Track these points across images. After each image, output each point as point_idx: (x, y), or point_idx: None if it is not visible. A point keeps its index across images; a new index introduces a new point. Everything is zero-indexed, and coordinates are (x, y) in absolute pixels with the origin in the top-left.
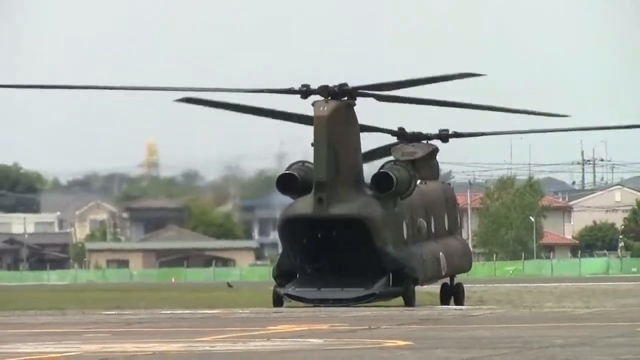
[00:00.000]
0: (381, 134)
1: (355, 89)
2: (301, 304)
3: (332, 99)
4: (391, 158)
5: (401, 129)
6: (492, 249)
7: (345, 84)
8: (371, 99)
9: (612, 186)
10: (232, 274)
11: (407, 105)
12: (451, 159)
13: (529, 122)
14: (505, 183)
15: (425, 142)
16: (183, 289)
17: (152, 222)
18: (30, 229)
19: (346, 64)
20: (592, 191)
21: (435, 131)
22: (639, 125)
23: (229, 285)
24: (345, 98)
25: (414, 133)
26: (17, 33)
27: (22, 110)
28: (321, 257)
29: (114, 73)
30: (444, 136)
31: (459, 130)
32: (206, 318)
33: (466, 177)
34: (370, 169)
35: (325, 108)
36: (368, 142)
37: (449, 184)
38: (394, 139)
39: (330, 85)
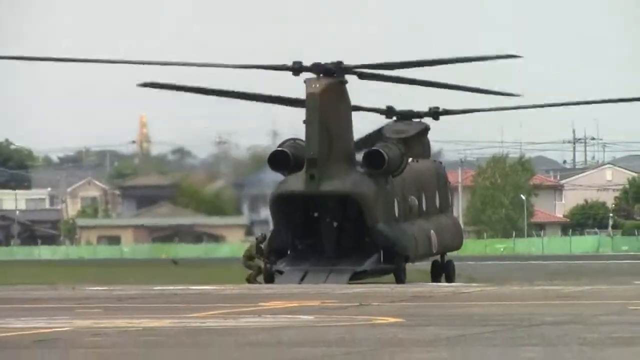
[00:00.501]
0: (366, 112)
1: (349, 67)
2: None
3: (324, 76)
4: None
5: (390, 108)
6: (481, 227)
7: (340, 62)
8: (358, 78)
9: (603, 165)
10: (223, 250)
11: (394, 85)
12: (442, 137)
13: (520, 100)
14: (497, 161)
15: (417, 120)
16: (177, 265)
17: (144, 199)
18: (22, 205)
19: (340, 42)
20: (583, 170)
21: (426, 109)
22: (628, 99)
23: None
24: (337, 75)
25: (405, 111)
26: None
27: (14, 85)
28: (312, 234)
29: (106, 48)
30: (435, 113)
31: (449, 107)
32: (197, 294)
33: (457, 155)
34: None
35: (317, 85)
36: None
37: (440, 162)
38: (383, 119)
39: (323, 62)
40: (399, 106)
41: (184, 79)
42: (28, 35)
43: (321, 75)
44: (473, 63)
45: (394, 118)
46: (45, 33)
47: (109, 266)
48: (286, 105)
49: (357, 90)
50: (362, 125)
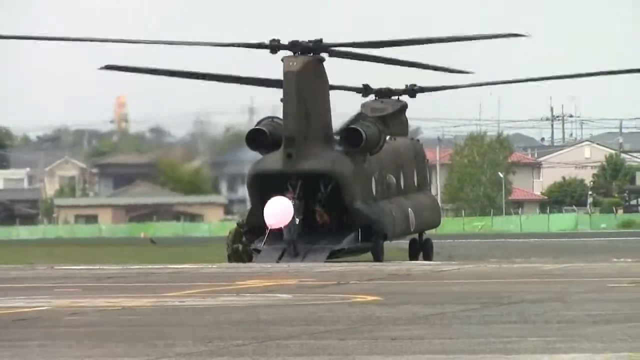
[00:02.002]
0: (342, 91)
1: (328, 45)
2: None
3: (301, 54)
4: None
5: (366, 86)
6: (460, 205)
7: (319, 40)
8: (328, 56)
9: (581, 142)
10: (201, 229)
11: (371, 63)
12: (420, 115)
13: (496, 76)
14: (475, 139)
15: (394, 98)
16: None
17: (122, 178)
18: (0, 185)
19: (318, 21)
20: (561, 147)
21: (402, 87)
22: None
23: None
24: (315, 54)
25: (382, 89)
26: None
27: None
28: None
29: (85, 27)
30: (411, 91)
31: (424, 85)
32: (175, 273)
33: (435, 133)
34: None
35: (295, 63)
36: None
37: (418, 140)
38: (359, 98)
39: (300, 40)
40: (374, 84)
41: (160, 57)
42: (5, 14)
43: (299, 53)
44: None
45: (372, 96)
46: (23, 13)
47: (87, 245)
48: (261, 86)
49: (332, 69)
50: (339, 104)
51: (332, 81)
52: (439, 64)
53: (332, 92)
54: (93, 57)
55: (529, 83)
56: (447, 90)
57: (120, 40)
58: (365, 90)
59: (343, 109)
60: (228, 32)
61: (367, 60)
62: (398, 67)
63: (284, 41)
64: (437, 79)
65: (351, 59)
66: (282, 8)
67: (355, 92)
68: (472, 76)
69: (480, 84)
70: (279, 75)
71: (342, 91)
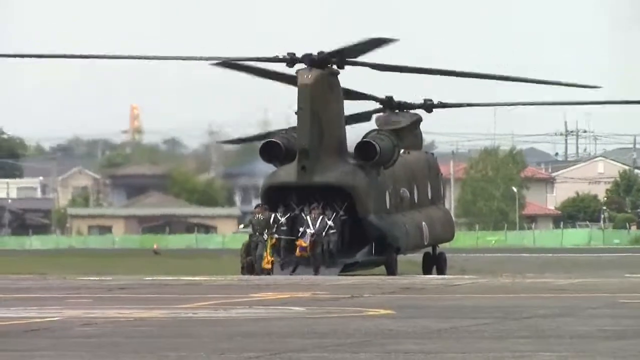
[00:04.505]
0: (365, 101)
1: (345, 57)
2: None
3: (317, 67)
4: (374, 126)
5: (389, 98)
6: (473, 220)
7: (337, 52)
8: (363, 68)
9: (595, 157)
10: (215, 241)
11: (392, 74)
12: (434, 129)
13: (514, 95)
14: (489, 153)
15: (409, 111)
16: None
17: (135, 188)
18: (13, 194)
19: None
20: (575, 162)
21: (420, 101)
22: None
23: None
24: (330, 66)
25: (399, 102)
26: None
27: (5, 75)
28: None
29: (97, 40)
30: (428, 106)
31: (443, 100)
32: (189, 285)
33: (449, 147)
34: (354, 138)
35: (309, 76)
36: (354, 109)
37: (432, 153)
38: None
39: (315, 53)
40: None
41: (172, 70)
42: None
43: (313, 66)
44: None
45: (387, 110)
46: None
47: (99, 256)
48: (276, 80)
49: (352, 79)
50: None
51: (358, 90)
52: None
53: (354, 102)
54: (108, 67)
55: (544, 98)
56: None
57: (135, 57)
58: (387, 101)
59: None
60: (244, 45)
61: (386, 70)
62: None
63: (299, 54)
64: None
65: (375, 69)
66: (298, 21)
67: (377, 102)
68: (489, 95)
69: (497, 104)
70: (294, 89)
71: (364, 101)
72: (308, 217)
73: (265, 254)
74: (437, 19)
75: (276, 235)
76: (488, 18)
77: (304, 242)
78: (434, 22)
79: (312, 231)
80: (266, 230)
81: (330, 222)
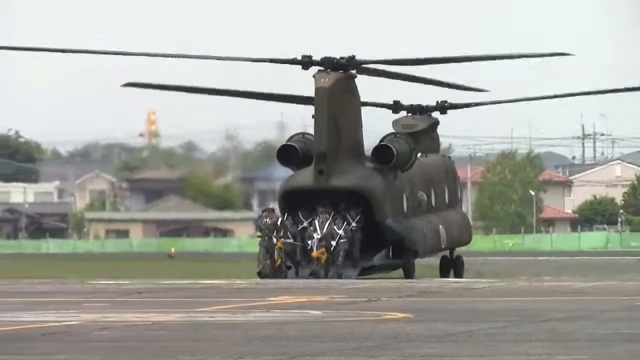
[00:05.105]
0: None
1: (360, 62)
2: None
3: (333, 70)
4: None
5: (396, 102)
6: (490, 223)
7: (353, 57)
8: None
9: (612, 161)
10: (232, 244)
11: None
12: (452, 132)
13: (525, 92)
14: (506, 157)
15: (426, 114)
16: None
17: (152, 192)
18: (30, 198)
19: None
20: (592, 166)
21: (433, 103)
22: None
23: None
24: (346, 70)
25: (413, 105)
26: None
27: (23, 78)
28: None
29: (113, 40)
30: (442, 107)
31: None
32: (206, 288)
33: (466, 151)
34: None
35: (326, 79)
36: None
37: (449, 156)
38: (390, 114)
39: (332, 56)
40: (404, 101)
41: (189, 72)
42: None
43: (330, 69)
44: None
45: (403, 113)
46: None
47: (117, 260)
48: (290, 102)
49: (362, 85)
50: (370, 120)
51: (362, 98)
52: (467, 82)
53: (363, 109)
54: (124, 70)
55: (561, 102)
56: (479, 108)
57: (152, 54)
58: (395, 106)
59: (374, 125)
60: (259, 47)
61: (396, 78)
62: (426, 84)
63: (316, 57)
64: (469, 97)
65: (380, 76)
66: (313, 24)
67: (386, 109)
68: (502, 93)
69: (508, 101)
70: (309, 91)
71: (373, 107)
72: (316, 222)
73: (275, 257)
74: (436, 20)
75: (283, 240)
76: (490, 18)
77: (317, 253)
78: (433, 22)
79: (319, 236)
80: (274, 234)
81: (340, 232)
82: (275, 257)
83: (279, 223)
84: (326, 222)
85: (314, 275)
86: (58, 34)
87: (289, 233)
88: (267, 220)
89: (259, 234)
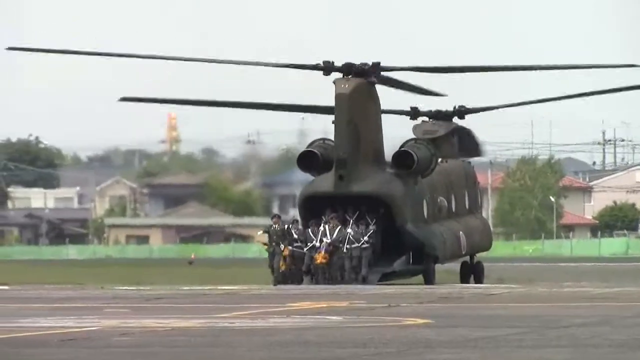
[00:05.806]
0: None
1: (381, 69)
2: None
3: (354, 76)
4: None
5: (414, 109)
6: (510, 229)
7: (377, 63)
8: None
9: (632, 166)
10: (252, 250)
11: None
12: None
13: (542, 94)
14: (526, 163)
15: (446, 120)
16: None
17: (172, 198)
18: (50, 204)
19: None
20: (613, 171)
21: (450, 108)
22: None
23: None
24: (367, 76)
25: (431, 111)
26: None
27: (43, 84)
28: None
29: (132, 44)
30: (460, 112)
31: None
32: (226, 294)
33: (487, 156)
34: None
35: (347, 85)
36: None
37: (470, 162)
38: (408, 121)
39: (354, 62)
40: (421, 107)
41: (209, 77)
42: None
43: (351, 75)
44: None
45: (422, 118)
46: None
47: (137, 266)
48: (310, 112)
49: (380, 92)
50: (387, 127)
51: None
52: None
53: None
54: (145, 75)
55: (582, 107)
56: (499, 115)
57: (173, 58)
58: (414, 113)
59: (392, 132)
60: (279, 52)
61: (421, 93)
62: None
63: (337, 63)
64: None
65: (395, 88)
66: (335, 31)
67: (404, 115)
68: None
69: (525, 103)
70: (329, 96)
71: (391, 115)
72: (326, 227)
73: (280, 263)
74: (437, 20)
75: (290, 247)
76: (494, 19)
77: (320, 257)
78: (434, 22)
79: (329, 241)
80: (282, 241)
81: (365, 237)
82: (280, 263)
83: (286, 229)
84: (336, 227)
85: (314, 280)
86: (82, 38)
87: (299, 240)
88: (276, 226)
89: (266, 240)
